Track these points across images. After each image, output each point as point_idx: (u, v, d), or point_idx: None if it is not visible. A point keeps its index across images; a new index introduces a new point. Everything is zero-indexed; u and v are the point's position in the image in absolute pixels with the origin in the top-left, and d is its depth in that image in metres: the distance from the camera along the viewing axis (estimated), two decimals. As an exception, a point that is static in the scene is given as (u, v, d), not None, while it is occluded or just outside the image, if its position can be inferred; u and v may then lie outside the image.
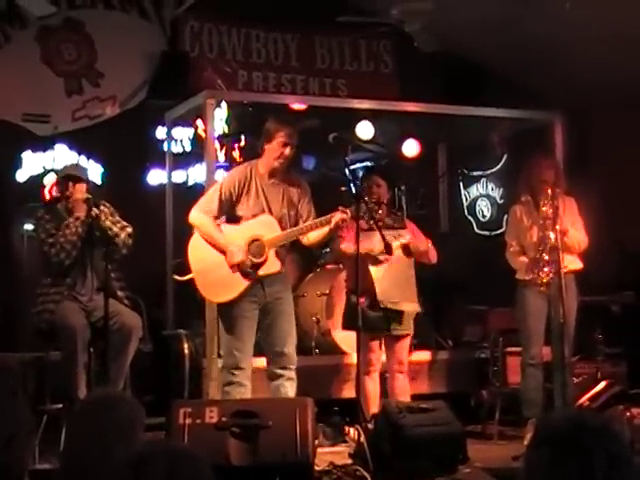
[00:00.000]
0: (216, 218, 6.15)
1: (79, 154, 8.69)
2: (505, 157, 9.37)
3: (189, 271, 6.23)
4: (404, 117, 8.51)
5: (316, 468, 5.38)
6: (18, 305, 7.81)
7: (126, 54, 8.84)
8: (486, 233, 9.60)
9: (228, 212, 6.16)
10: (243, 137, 8.78)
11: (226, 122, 8.79)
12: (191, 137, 8.84)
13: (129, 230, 6.30)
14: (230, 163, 8.61)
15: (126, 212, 6.49)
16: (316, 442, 5.56)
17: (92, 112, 8.76)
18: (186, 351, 7.31)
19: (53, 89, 8.63)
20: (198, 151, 8.42)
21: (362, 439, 5.62)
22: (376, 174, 6.82)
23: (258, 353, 6.28)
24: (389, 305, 6.42)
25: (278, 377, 6.08)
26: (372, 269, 6.44)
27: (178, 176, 8.75)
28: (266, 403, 5.63)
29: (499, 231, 8.68)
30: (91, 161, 8.69)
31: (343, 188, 6.20)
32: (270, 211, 6.12)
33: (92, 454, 2.56)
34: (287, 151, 6.10)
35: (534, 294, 6.72)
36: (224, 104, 8.56)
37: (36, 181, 8.59)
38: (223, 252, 6.08)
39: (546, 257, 6.56)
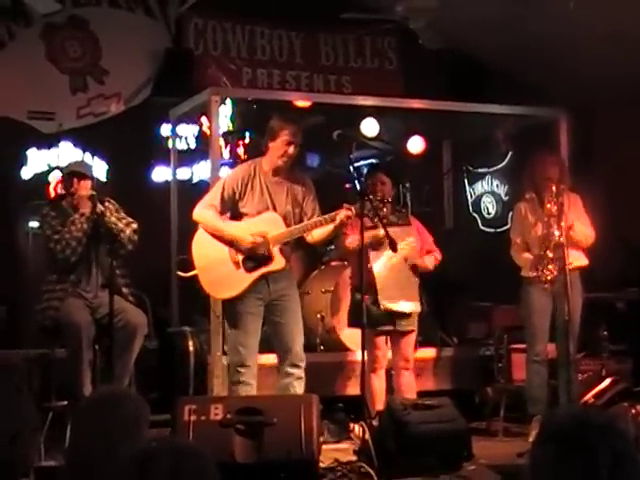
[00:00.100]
0: (220, 214, 6.15)
1: (84, 151, 8.69)
2: (510, 154, 9.36)
3: (193, 268, 6.24)
4: (409, 114, 8.51)
5: (321, 465, 5.38)
6: (23, 302, 7.83)
7: (131, 51, 8.84)
8: (491, 230, 9.58)
9: (232, 210, 6.16)
10: (247, 134, 8.78)
11: (230, 119, 8.79)
12: (196, 134, 8.84)
13: (134, 226, 6.31)
14: (234, 160, 8.61)
15: (131, 209, 6.51)
16: (321, 439, 5.57)
17: (97, 109, 8.76)
18: (191, 348, 7.32)
19: (58, 86, 8.64)
20: (203, 148, 8.42)
21: (367, 436, 5.62)
22: (380, 171, 6.81)
23: (263, 350, 6.29)
24: (388, 306, 6.43)
25: (288, 376, 6.08)
26: (376, 271, 6.44)
27: (183, 173, 8.76)
28: (271, 400, 5.63)
29: (504, 228, 8.67)
30: (96, 158, 8.69)
31: (347, 185, 6.20)
32: (275, 209, 6.12)
33: (97, 451, 2.56)
34: (291, 149, 6.10)
35: (539, 291, 6.71)
36: (229, 101, 8.56)
37: (41, 178, 8.60)
38: (230, 243, 6.08)
39: (550, 254, 6.55)
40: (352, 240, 6.36)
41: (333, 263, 7.91)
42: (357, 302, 6.34)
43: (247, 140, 8.78)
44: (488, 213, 9.77)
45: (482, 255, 8.37)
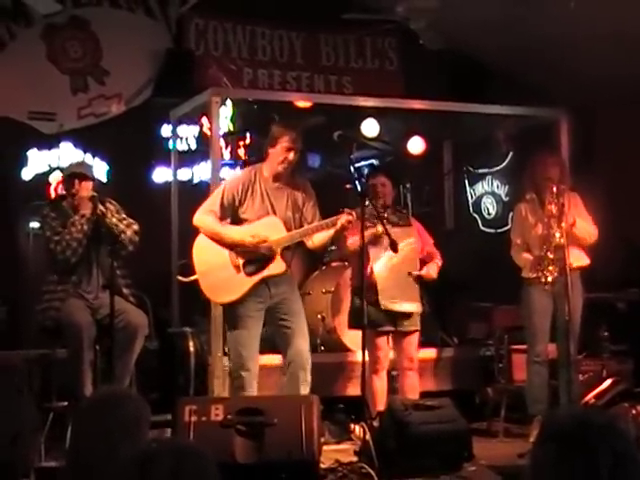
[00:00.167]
0: (220, 220, 6.15)
1: (84, 152, 8.69)
2: (510, 155, 9.36)
3: (193, 272, 6.24)
4: (409, 114, 8.51)
5: (321, 466, 5.38)
6: (24, 303, 7.82)
7: (131, 52, 8.84)
8: (491, 230, 9.58)
9: (232, 216, 6.17)
10: (248, 135, 8.78)
11: (231, 120, 8.78)
12: (196, 135, 8.83)
13: (135, 227, 6.31)
14: (235, 161, 8.62)
15: (132, 210, 6.51)
16: (322, 440, 5.57)
17: (97, 110, 8.76)
18: (192, 349, 7.32)
19: (59, 87, 8.64)
20: (203, 149, 8.41)
21: (367, 437, 5.62)
22: (381, 173, 6.82)
23: (265, 350, 6.29)
24: (389, 306, 6.44)
25: (296, 379, 6.07)
26: (376, 271, 6.44)
27: (183, 174, 8.75)
28: (272, 400, 5.63)
29: (504, 228, 8.67)
30: (96, 159, 8.69)
31: (348, 186, 6.20)
32: (275, 214, 6.13)
33: (98, 452, 2.56)
34: (291, 156, 6.11)
35: (539, 292, 6.71)
36: (229, 102, 8.55)
37: (42, 179, 8.59)
38: (230, 247, 6.08)
39: (550, 255, 6.55)
40: (353, 241, 6.36)
41: (334, 264, 7.91)
42: (357, 306, 6.36)
43: (248, 141, 8.78)
44: (488, 214, 9.76)
45: (483, 256, 8.36)
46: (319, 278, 7.85)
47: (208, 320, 6.99)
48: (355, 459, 5.70)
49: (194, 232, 6.27)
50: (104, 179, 8.51)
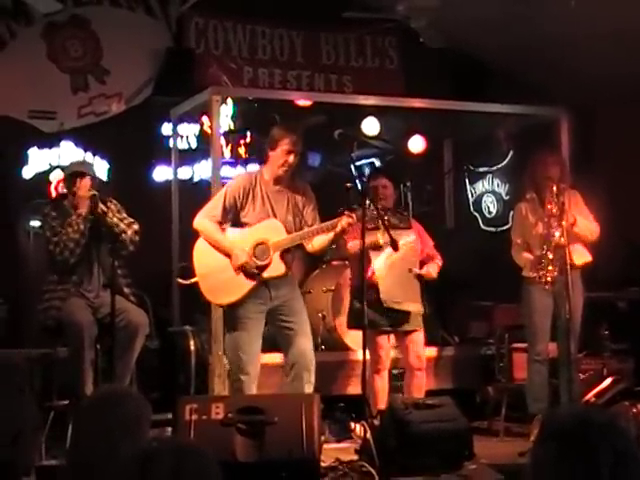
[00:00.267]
0: (220, 224, 6.15)
1: (85, 151, 8.70)
2: (511, 153, 9.36)
3: (194, 274, 6.24)
4: (410, 113, 8.51)
5: (322, 464, 5.38)
6: (24, 302, 7.82)
7: (132, 51, 8.84)
8: (492, 229, 9.58)
9: (233, 219, 6.16)
10: (249, 133, 8.78)
11: (232, 118, 8.79)
12: (197, 133, 8.84)
13: (135, 227, 6.30)
14: (236, 159, 8.63)
15: (132, 208, 6.51)
16: (322, 438, 5.57)
17: (98, 109, 8.75)
18: (192, 348, 7.32)
19: (59, 86, 8.63)
20: (204, 147, 8.42)
21: (368, 435, 5.62)
22: (382, 175, 6.83)
23: (267, 349, 6.29)
24: (392, 305, 6.44)
25: (300, 380, 6.07)
26: (376, 268, 6.45)
27: (184, 172, 8.75)
28: (272, 399, 5.63)
29: (505, 227, 8.67)
30: (97, 158, 8.70)
31: (348, 184, 6.20)
32: (275, 217, 6.13)
33: (99, 450, 2.56)
34: (291, 159, 6.11)
35: (540, 291, 6.71)
36: (230, 100, 8.57)
37: (42, 178, 8.59)
38: (228, 255, 6.09)
39: (550, 255, 6.54)
40: (353, 245, 6.37)
41: (334, 262, 7.91)
42: (355, 307, 6.37)
43: (248, 139, 8.78)
44: (489, 212, 9.77)
45: (483, 254, 8.37)
46: (320, 277, 7.85)
47: (208, 319, 6.99)
48: (356, 458, 5.70)
49: (194, 232, 6.27)
50: (104, 178, 8.52)
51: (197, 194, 6.50)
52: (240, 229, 6.14)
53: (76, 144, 8.69)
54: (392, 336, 6.64)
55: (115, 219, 6.22)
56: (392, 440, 5.62)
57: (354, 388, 6.91)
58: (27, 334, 7.46)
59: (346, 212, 5.95)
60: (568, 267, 6.34)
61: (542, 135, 8.12)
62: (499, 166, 9.61)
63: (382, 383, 6.53)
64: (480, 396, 7.47)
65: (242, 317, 6.05)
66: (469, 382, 7.63)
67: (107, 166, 8.78)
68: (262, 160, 6.30)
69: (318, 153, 9.22)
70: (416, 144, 9.12)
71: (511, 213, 7.49)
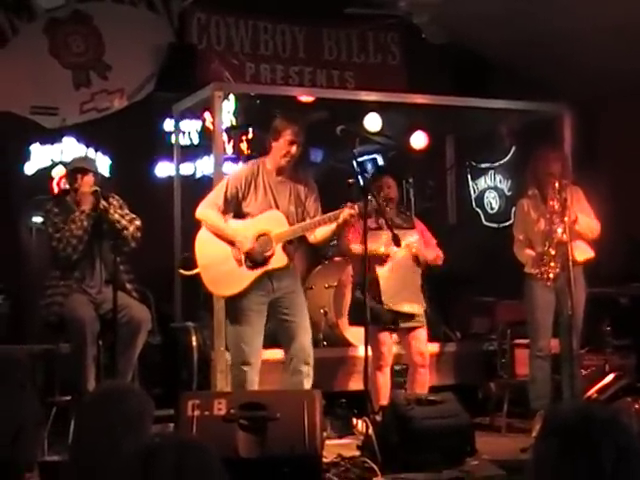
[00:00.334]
0: (223, 214, 6.15)
1: (87, 147, 8.70)
2: (513, 149, 9.36)
3: (195, 266, 6.25)
4: (412, 109, 8.50)
5: (324, 460, 5.38)
6: (27, 298, 7.83)
7: (134, 47, 8.83)
8: (494, 225, 9.58)
9: (235, 209, 6.16)
10: (251, 129, 8.77)
11: (234, 114, 8.79)
12: (199, 129, 8.83)
13: (137, 223, 6.30)
14: (238, 155, 8.62)
15: (134, 204, 6.51)
16: (324, 434, 5.57)
17: (100, 105, 8.75)
18: (194, 343, 7.32)
19: (61, 82, 8.63)
20: (206, 143, 8.42)
21: (370, 431, 5.63)
22: (387, 174, 6.84)
23: (268, 345, 6.29)
24: (394, 307, 6.45)
25: (299, 373, 6.08)
26: (378, 269, 6.45)
27: (186, 168, 8.75)
28: (274, 395, 5.63)
29: (507, 223, 8.67)
30: (99, 154, 8.70)
31: (351, 180, 6.20)
32: (277, 208, 6.13)
33: (101, 446, 2.56)
34: (294, 149, 6.11)
35: (542, 287, 6.70)
36: (232, 96, 8.57)
37: (44, 174, 8.59)
38: (231, 243, 6.09)
39: (552, 252, 6.54)
40: (357, 248, 6.38)
41: (336, 259, 7.91)
42: (358, 301, 6.36)
43: (250, 135, 8.78)
44: (491, 208, 9.76)
45: (485, 250, 8.37)
46: (321, 273, 7.85)
47: (211, 315, 6.99)
48: (358, 453, 5.70)
49: (197, 227, 6.27)
50: (107, 174, 8.51)
51: (199, 190, 6.49)
52: (242, 220, 6.14)
53: (78, 140, 8.69)
54: (394, 333, 6.64)
55: (117, 215, 6.22)
56: (394, 436, 5.62)
57: (356, 384, 6.90)
58: (29, 330, 7.47)
59: (348, 203, 5.95)
60: (570, 263, 6.34)
61: (544, 131, 8.11)
62: (501, 162, 9.60)
63: (384, 379, 6.53)
64: (482, 392, 7.47)
65: (244, 309, 6.06)
66: (471, 378, 7.63)
67: (109, 162, 8.78)
68: (265, 154, 6.29)
69: (320, 149, 9.21)
70: (418, 140, 9.12)
71: (513, 209, 7.49)
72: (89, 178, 6.26)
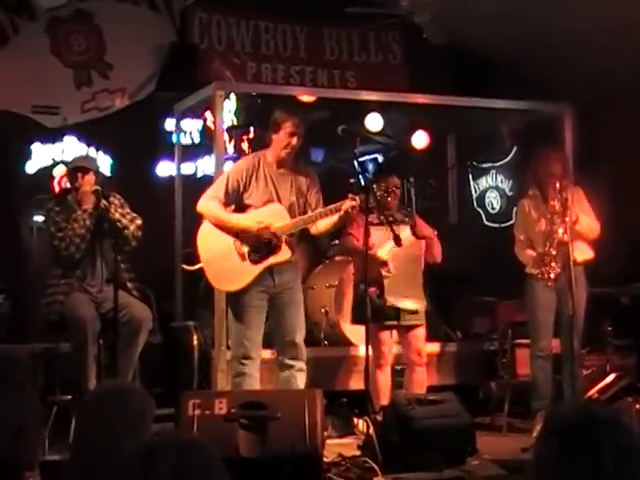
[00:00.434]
0: (224, 206, 6.15)
1: (88, 146, 8.69)
2: (515, 149, 9.36)
3: (198, 261, 6.24)
4: (413, 109, 8.50)
5: (325, 460, 5.38)
6: (28, 297, 7.83)
7: (135, 46, 8.83)
8: (495, 225, 9.58)
9: (237, 202, 6.16)
10: (252, 129, 8.77)
11: (235, 114, 8.79)
12: (200, 129, 8.83)
13: (138, 222, 6.31)
14: (239, 155, 8.60)
15: (135, 204, 6.51)
16: (325, 434, 5.57)
17: (101, 104, 8.75)
18: (195, 342, 7.32)
19: (62, 81, 8.63)
20: (207, 143, 8.42)
21: (371, 431, 5.63)
22: (394, 174, 6.84)
23: (267, 345, 6.29)
24: (396, 304, 6.45)
25: (289, 368, 6.09)
26: (379, 255, 6.46)
27: (187, 168, 8.75)
28: (275, 394, 5.63)
29: (508, 223, 8.67)
30: (100, 153, 8.70)
31: (352, 180, 6.20)
32: (279, 200, 6.13)
33: (102, 445, 2.56)
34: (294, 141, 6.11)
35: (543, 287, 6.70)
36: (233, 96, 8.57)
37: (45, 173, 8.59)
38: (235, 234, 6.09)
39: (553, 252, 6.54)
40: (359, 245, 6.39)
41: (337, 258, 7.91)
42: (361, 297, 6.34)
43: (251, 135, 8.77)
44: (492, 208, 9.76)
45: (486, 250, 8.37)
46: (323, 272, 7.84)
47: (211, 314, 6.99)
48: (358, 453, 5.70)
49: (198, 225, 6.27)
50: (108, 173, 8.52)
51: (200, 189, 6.48)
52: (243, 214, 6.13)
53: (79, 139, 8.69)
54: (395, 332, 6.65)
55: (118, 214, 6.23)
56: (395, 436, 5.62)
57: (357, 383, 6.90)
58: (30, 329, 7.47)
59: (350, 195, 5.95)
60: (571, 263, 6.34)
61: (546, 131, 8.11)
62: (503, 162, 9.60)
63: (384, 378, 6.53)
64: (483, 392, 7.47)
65: (246, 305, 6.06)
66: (472, 378, 7.63)
67: (110, 161, 8.78)
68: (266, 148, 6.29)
69: (321, 149, 9.21)
70: (419, 140, 9.12)
71: (514, 209, 7.49)
72: (90, 177, 6.26)
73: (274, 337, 6.22)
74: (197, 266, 6.28)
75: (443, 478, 5.37)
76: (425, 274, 6.73)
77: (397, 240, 6.17)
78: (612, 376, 7.13)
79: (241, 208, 6.16)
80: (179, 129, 8.46)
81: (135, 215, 6.34)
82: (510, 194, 9.43)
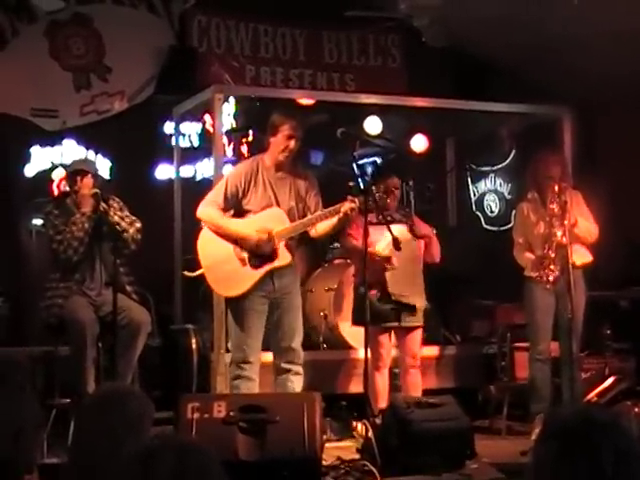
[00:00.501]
0: (223, 211, 6.15)
1: (87, 149, 8.70)
2: (513, 152, 9.36)
3: (199, 267, 6.24)
4: (412, 112, 8.50)
5: (324, 463, 5.39)
6: (27, 300, 7.83)
7: (134, 49, 8.83)
8: (494, 228, 9.58)
9: (236, 207, 6.16)
10: (251, 132, 8.78)
11: (234, 117, 8.79)
12: (199, 132, 8.83)
13: (138, 225, 6.30)
14: (238, 158, 8.61)
15: (134, 207, 6.51)
16: (324, 437, 5.57)
17: (100, 107, 8.75)
18: (194, 346, 7.31)
19: (61, 84, 8.63)
20: (206, 146, 8.42)
21: (370, 434, 5.63)
22: (394, 175, 6.85)
23: (265, 348, 6.29)
24: (401, 298, 6.45)
25: (285, 372, 6.10)
26: (377, 248, 6.46)
27: (186, 171, 8.75)
28: (274, 398, 5.64)
29: (507, 226, 8.67)
30: (99, 156, 8.70)
31: (351, 183, 6.20)
32: (278, 204, 6.12)
33: (101, 449, 2.56)
34: (292, 144, 6.10)
35: (542, 290, 6.71)
36: (232, 99, 8.57)
37: (44, 176, 8.59)
38: (234, 241, 6.09)
39: (552, 254, 6.54)
40: (359, 244, 6.39)
41: (336, 261, 7.91)
42: (361, 298, 6.34)
43: (250, 138, 8.78)
44: (491, 211, 9.76)
45: (485, 253, 8.37)
46: (322, 276, 7.84)
47: (210, 317, 6.99)
48: (357, 456, 5.70)
49: (197, 229, 6.27)
50: (107, 176, 8.52)
51: (199, 193, 6.49)
52: (242, 219, 6.13)
53: (78, 142, 8.70)
54: (393, 335, 6.64)
55: (117, 217, 6.22)
56: (394, 439, 5.62)
57: (356, 386, 6.90)
58: (29, 332, 7.47)
59: (349, 197, 5.95)
60: (570, 266, 6.34)
61: (545, 134, 8.12)
62: (501, 165, 9.61)
63: (383, 381, 6.53)
64: (482, 395, 7.46)
65: (246, 309, 6.06)
66: (471, 381, 7.63)
67: (109, 164, 8.78)
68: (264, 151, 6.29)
69: (320, 152, 9.21)
70: (418, 143, 9.11)
71: (513, 212, 7.49)
72: (89, 180, 6.26)
73: (271, 341, 6.22)
74: (198, 272, 6.28)
75: (442, 481, 5.39)
76: (424, 276, 6.73)
77: (396, 244, 6.17)
78: (611, 379, 7.13)
79: (240, 213, 6.16)
80: (178, 132, 8.46)
81: (134, 218, 6.34)
82: (509, 197, 9.44)
